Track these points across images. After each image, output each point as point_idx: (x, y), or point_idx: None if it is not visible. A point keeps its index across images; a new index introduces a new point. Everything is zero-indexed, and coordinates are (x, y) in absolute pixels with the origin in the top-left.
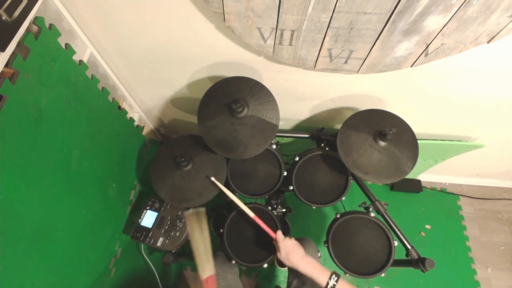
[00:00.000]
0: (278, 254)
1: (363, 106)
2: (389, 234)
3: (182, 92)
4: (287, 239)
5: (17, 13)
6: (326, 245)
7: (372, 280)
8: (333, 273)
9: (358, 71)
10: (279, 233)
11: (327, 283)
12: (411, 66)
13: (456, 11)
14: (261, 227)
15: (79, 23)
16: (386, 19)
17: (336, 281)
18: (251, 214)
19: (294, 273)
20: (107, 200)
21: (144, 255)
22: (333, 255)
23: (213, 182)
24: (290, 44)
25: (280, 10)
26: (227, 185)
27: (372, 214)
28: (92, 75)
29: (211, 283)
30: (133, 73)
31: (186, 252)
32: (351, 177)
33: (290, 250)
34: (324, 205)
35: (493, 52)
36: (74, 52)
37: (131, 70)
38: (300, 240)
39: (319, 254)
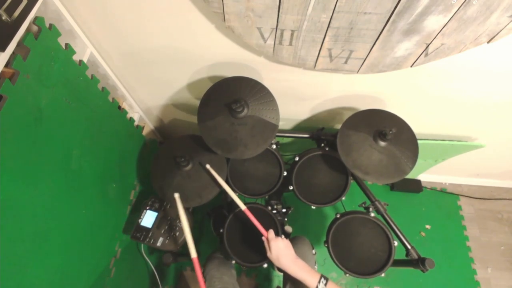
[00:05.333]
0: (268, 254)
1: (363, 106)
2: (389, 234)
3: (182, 92)
4: (279, 239)
5: (17, 13)
6: (326, 245)
7: (372, 280)
8: (322, 276)
9: (358, 71)
10: (271, 232)
11: (316, 287)
12: (411, 66)
13: (456, 11)
14: (253, 223)
15: (79, 23)
16: (386, 19)
17: (325, 284)
18: (242, 206)
19: (288, 276)
20: (107, 200)
21: (144, 255)
22: (333, 255)
23: (214, 181)
24: (290, 44)
25: (280, 10)
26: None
27: (372, 214)
28: (92, 75)
29: (197, 263)
30: (133, 73)
31: (186, 252)
32: (351, 177)
33: (281, 252)
34: (324, 205)
35: (493, 52)
36: (74, 52)
37: (131, 70)
38: (295, 238)
39: (313, 252)
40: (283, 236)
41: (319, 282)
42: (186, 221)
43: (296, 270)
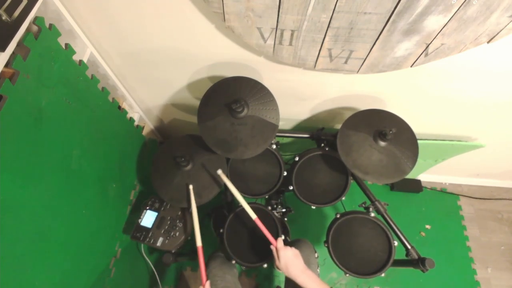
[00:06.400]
0: (276, 263)
1: (363, 106)
2: (389, 234)
3: (182, 92)
4: (288, 248)
5: (17, 13)
6: (326, 245)
7: (372, 280)
8: None
9: (358, 71)
10: (280, 240)
11: None
12: (411, 66)
13: (456, 11)
14: (261, 231)
15: (79, 23)
16: (386, 19)
17: None
18: (253, 215)
19: (291, 283)
20: (107, 200)
21: (144, 255)
22: (333, 255)
23: (215, 182)
24: (290, 44)
25: (280, 10)
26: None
27: (372, 214)
28: (92, 75)
29: (201, 252)
30: (133, 73)
31: (186, 252)
32: (351, 177)
33: (290, 261)
34: (324, 205)
35: (493, 52)
36: (74, 52)
37: (131, 70)
38: (297, 241)
39: (316, 255)
40: (293, 247)
41: None
42: (195, 210)
43: (305, 280)
